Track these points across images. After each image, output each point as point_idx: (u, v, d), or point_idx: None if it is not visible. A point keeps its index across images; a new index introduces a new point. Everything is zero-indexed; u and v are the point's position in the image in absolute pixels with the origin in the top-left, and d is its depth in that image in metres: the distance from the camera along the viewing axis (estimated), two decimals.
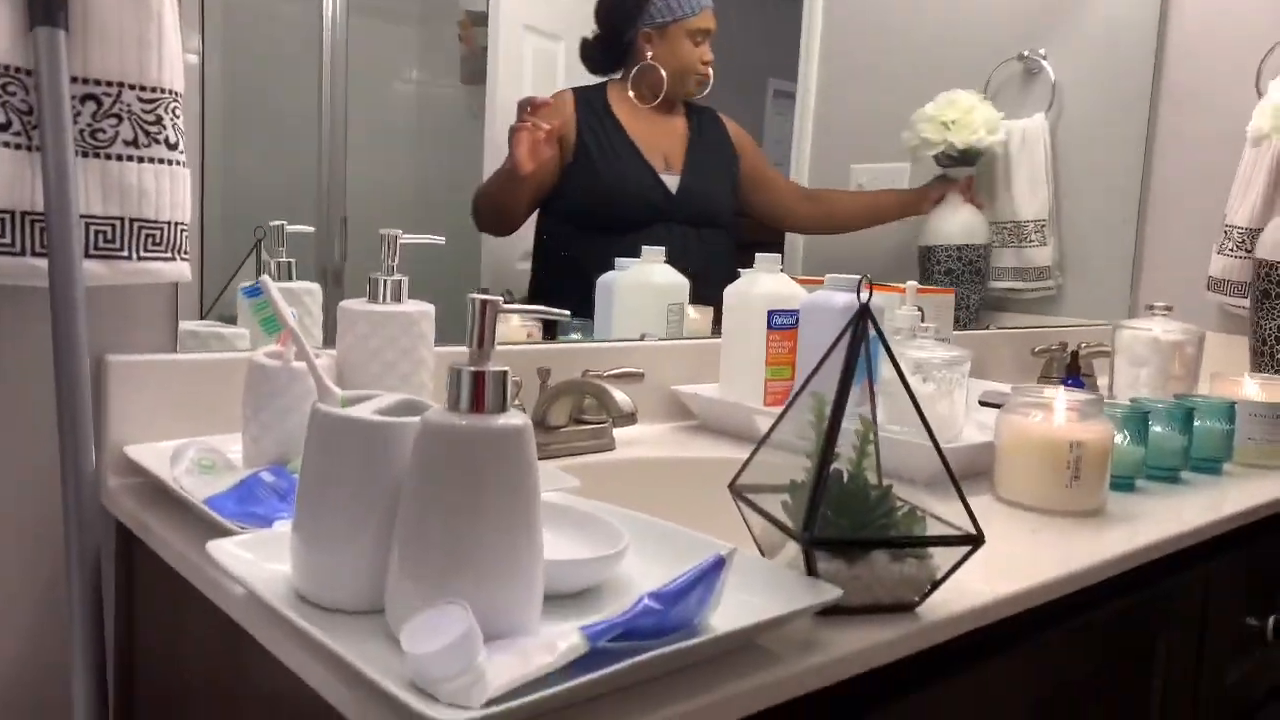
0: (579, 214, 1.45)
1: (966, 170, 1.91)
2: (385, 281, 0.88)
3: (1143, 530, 0.92)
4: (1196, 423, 1.14)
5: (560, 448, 1.05)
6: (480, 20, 1.45)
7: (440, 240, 0.91)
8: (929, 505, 0.71)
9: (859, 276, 1.13)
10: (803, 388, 0.71)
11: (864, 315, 0.69)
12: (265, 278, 0.67)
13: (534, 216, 1.42)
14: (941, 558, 0.67)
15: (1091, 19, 2.04)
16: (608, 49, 1.51)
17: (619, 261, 1.37)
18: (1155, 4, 2.02)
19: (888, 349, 0.69)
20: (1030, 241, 1.97)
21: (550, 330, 1.42)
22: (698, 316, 1.52)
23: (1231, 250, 1.78)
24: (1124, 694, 0.95)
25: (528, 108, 1.33)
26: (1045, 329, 1.88)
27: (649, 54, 1.50)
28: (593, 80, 1.49)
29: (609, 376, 1.09)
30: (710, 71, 1.56)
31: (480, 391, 0.55)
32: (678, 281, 1.35)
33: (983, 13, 2.05)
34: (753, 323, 1.20)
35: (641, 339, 1.27)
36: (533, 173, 1.33)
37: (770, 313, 1.19)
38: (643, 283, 1.35)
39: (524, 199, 1.38)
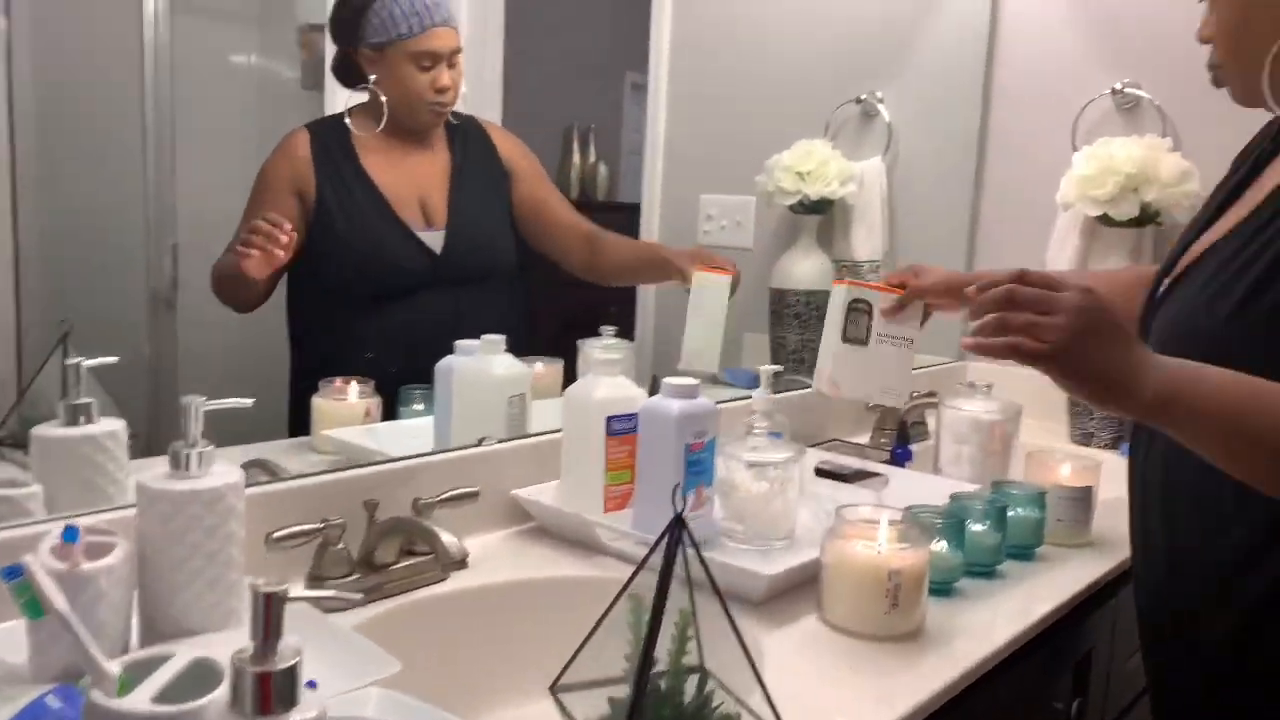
0: (331, 284, 1.27)
1: (815, 217, 1.95)
2: (187, 454, 0.82)
3: (959, 651, 0.96)
4: (1010, 513, 1.20)
5: (392, 586, 1.02)
6: (320, 29, 1.37)
7: (247, 403, 0.87)
8: (745, 689, 0.73)
9: (695, 382, 1.15)
10: (624, 589, 0.71)
11: (679, 524, 0.69)
12: (29, 558, 0.62)
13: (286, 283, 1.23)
14: None
15: (922, 61, 2.09)
16: (345, 70, 1.31)
17: (459, 345, 1.33)
18: (983, 49, 2.08)
19: (702, 561, 0.70)
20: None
21: (391, 407, 1.37)
22: (544, 370, 1.49)
23: None
24: None
25: (257, 230, 1.13)
26: None
27: (371, 78, 1.29)
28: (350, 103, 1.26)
29: (441, 501, 1.07)
30: (448, 100, 1.33)
31: (266, 694, 0.52)
32: (519, 372, 1.33)
33: (822, 55, 2.08)
34: (592, 427, 1.19)
35: (480, 443, 1.24)
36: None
37: (609, 418, 1.18)
38: (481, 372, 1.32)
39: (262, 287, 1.21)
